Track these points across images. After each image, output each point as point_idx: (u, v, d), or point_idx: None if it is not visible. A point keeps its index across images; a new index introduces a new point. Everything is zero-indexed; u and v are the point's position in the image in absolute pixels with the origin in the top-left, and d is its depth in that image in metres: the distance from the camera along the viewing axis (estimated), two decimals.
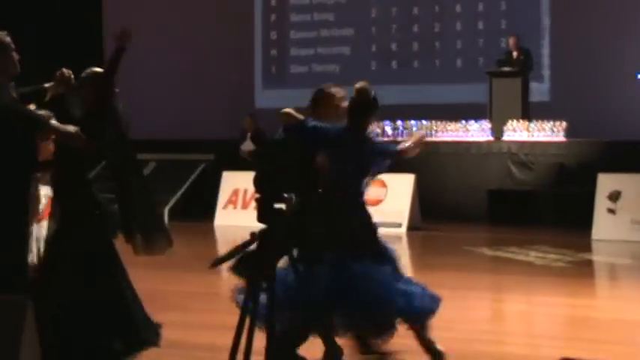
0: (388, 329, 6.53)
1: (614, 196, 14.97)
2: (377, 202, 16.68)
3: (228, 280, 10.49)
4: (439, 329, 8.60)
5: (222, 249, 15.86)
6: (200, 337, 8.14)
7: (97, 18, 23.42)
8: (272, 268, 5.30)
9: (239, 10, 22.31)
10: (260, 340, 5.23)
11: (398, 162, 6.95)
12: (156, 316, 8.73)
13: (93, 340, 6.18)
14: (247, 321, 5.25)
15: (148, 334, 6.47)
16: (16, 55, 6.36)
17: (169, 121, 21.43)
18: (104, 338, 6.22)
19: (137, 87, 20.77)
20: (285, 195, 5.29)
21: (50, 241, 6.38)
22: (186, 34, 22.43)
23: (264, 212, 5.25)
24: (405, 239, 15.80)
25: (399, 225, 16.35)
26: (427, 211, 16.52)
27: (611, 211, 14.95)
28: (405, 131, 18.32)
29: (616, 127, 17.66)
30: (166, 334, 8.14)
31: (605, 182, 15.11)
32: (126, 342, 6.33)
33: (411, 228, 16.14)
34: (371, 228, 6.69)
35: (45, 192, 7.71)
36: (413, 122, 18.30)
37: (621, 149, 16.56)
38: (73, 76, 6.64)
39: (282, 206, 5.27)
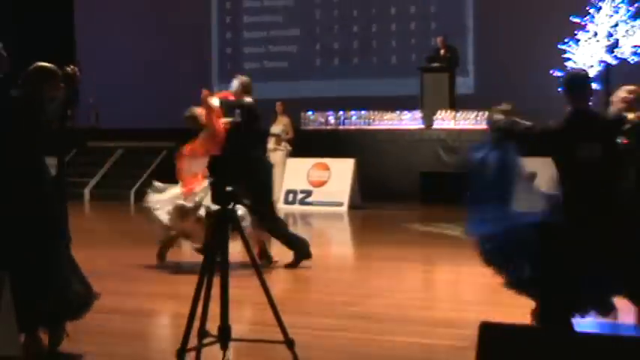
0: None
1: (531, 178, 15.04)
2: (321, 184, 16.74)
3: (190, 254, 10.46)
4: (376, 296, 8.62)
5: None
6: (163, 305, 8.07)
7: (69, 19, 23.19)
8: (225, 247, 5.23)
9: (198, 13, 22.20)
10: (215, 307, 5.17)
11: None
12: (123, 287, 8.69)
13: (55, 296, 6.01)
14: (203, 290, 5.18)
15: (88, 298, 6.27)
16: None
17: (135, 111, 21.29)
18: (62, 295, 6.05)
19: (107, 82, 20.63)
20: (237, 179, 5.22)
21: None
22: (151, 36, 22.31)
23: (217, 194, 5.17)
24: (346, 217, 15.80)
25: (341, 204, 16.36)
26: (366, 191, 16.51)
27: None
28: (346, 121, 18.34)
29: (531, 116, 17.64)
30: (133, 303, 8.09)
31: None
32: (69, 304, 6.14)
33: (352, 207, 16.14)
34: None
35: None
36: (353, 112, 18.30)
37: None
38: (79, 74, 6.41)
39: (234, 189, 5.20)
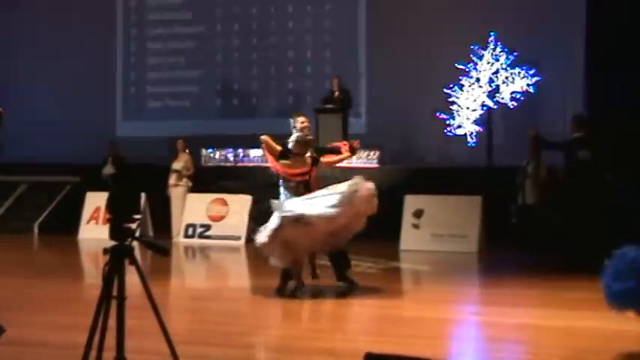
0: None
1: (418, 214, 15.21)
2: (220, 218, 16.66)
3: (87, 286, 10.29)
4: (269, 328, 8.60)
5: (86, 259, 15.51)
6: (60, 336, 7.86)
7: None
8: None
9: (104, 53, 22.01)
10: (111, 337, 5.09)
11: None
12: (22, 317, 8.47)
13: None
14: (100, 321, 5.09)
15: None
16: None
17: (40, 146, 20.92)
18: None
19: (12, 118, 20.17)
20: (135, 216, 5.12)
21: None
22: (57, 73, 21.97)
23: (114, 231, 5.08)
24: (243, 250, 15.74)
25: (239, 238, 16.30)
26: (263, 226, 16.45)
27: (416, 226, 15.18)
28: (245, 158, 18.35)
29: (419, 156, 18.04)
30: (31, 333, 7.89)
31: (411, 202, 15.35)
32: None
33: (249, 240, 16.04)
34: None
35: None
36: (251, 150, 18.32)
37: (424, 174, 16.85)
38: None
39: (132, 225, 5.11)
